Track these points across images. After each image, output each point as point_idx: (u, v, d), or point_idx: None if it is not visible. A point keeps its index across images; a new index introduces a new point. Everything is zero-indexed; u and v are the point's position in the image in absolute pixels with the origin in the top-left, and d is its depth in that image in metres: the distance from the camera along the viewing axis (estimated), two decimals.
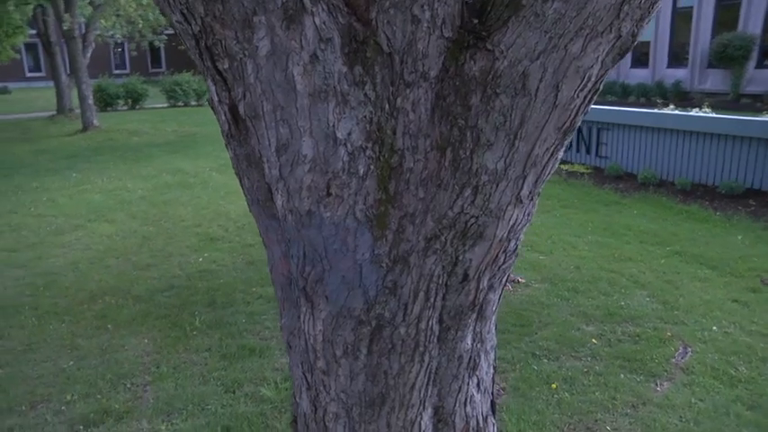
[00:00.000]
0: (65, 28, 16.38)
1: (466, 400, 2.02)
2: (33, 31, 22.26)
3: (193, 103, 24.59)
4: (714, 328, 4.43)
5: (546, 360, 4.05)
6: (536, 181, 1.82)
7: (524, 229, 2.04)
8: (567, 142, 1.88)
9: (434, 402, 1.96)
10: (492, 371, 2.20)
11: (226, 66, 1.57)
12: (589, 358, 4.08)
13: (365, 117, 1.61)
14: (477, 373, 2.09)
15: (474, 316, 1.92)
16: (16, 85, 37.72)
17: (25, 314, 4.85)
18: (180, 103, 24.34)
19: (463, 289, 1.80)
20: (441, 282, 1.75)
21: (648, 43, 21.49)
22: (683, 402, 3.53)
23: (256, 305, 5.00)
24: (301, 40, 1.50)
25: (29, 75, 41.12)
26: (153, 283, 5.56)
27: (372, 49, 1.58)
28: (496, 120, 1.63)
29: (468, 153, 1.64)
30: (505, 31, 1.58)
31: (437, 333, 1.85)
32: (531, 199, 1.94)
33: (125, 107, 23.31)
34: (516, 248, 2.06)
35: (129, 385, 3.80)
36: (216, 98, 1.70)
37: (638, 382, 3.78)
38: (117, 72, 37.78)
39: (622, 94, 20.56)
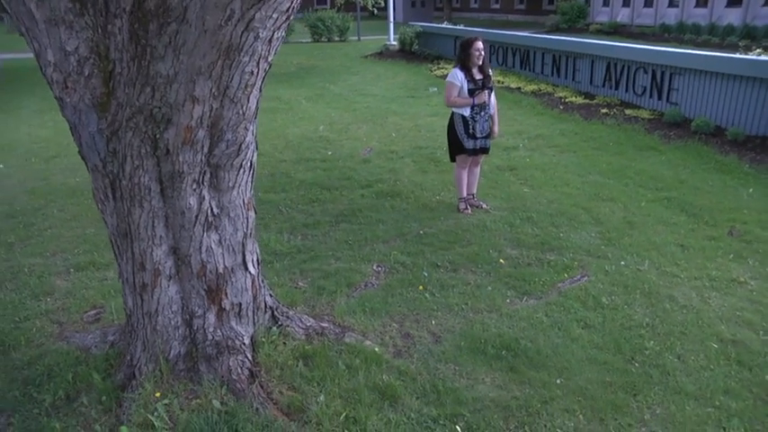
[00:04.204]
0: None
1: (201, 248, 2.82)
2: None
3: (336, 38, 25.82)
4: (623, 263, 4.59)
5: (442, 270, 4.56)
6: (218, 87, 2.52)
7: (243, 125, 2.73)
8: (247, 60, 2.53)
9: (171, 243, 2.79)
10: (241, 236, 2.96)
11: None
12: (484, 274, 4.51)
13: (87, 37, 2.43)
14: (219, 232, 2.86)
15: (190, 183, 2.68)
16: None
17: (86, 197, 6.36)
18: (323, 39, 25.69)
19: (168, 160, 2.58)
20: (144, 152, 2.54)
21: None
22: (527, 315, 3.89)
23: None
24: None
25: None
26: None
27: None
28: (164, 40, 2.36)
29: (146, 63, 2.39)
30: None
31: (157, 190, 2.65)
32: (234, 102, 2.63)
33: None
34: (239, 141, 2.76)
35: None
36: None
37: (506, 296, 4.16)
38: None
39: None
